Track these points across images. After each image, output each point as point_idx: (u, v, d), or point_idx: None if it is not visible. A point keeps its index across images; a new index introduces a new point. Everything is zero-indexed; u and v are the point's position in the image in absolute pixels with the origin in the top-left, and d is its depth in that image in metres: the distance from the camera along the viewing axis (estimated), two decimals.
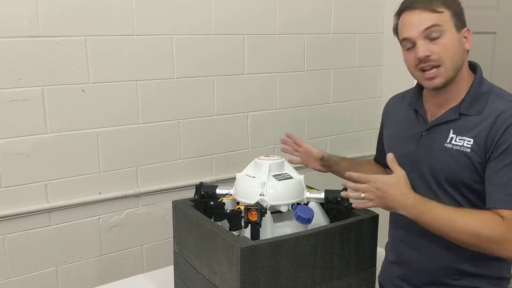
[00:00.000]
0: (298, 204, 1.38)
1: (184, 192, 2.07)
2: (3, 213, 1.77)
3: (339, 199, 1.38)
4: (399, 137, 1.46)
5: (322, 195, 1.41)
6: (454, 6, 1.29)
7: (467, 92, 1.31)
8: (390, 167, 1.29)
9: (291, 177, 1.40)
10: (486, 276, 1.33)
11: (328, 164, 1.68)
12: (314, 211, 1.35)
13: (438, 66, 1.27)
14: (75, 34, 1.81)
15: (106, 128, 1.92)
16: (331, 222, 1.40)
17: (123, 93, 1.94)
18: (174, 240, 1.54)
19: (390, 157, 1.29)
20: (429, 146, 1.35)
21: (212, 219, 1.38)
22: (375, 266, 1.42)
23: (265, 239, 1.24)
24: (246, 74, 2.21)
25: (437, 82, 1.28)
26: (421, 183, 1.34)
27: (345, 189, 1.41)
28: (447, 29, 1.27)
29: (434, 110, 1.37)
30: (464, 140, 1.27)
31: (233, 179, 1.47)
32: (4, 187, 1.77)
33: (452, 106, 1.33)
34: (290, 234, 1.26)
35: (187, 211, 1.44)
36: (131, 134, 1.98)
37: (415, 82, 1.48)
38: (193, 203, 1.49)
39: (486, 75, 1.37)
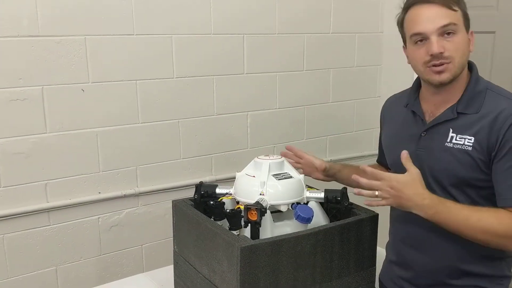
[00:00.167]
0: (298, 203, 1.38)
1: (183, 192, 2.07)
2: (3, 213, 1.77)
3: (339, 198, 1.39)
4: (398, 139, 1.45)
5: (322, 195, 1.41)
6: (464, 7, 1.30)
7: (464, 91, 1.32)
8: (404, 165, 1.26)
9: (291, 177, 1.40)
10: (488, 275, 1.33)
11: (331, 174, 1.65)
12: (314, 211, 1.35)
13: (448, 63, 1.26)
14: (75, 33, 1.81)
15: (105, 128, 1.92)
16: (331, 222, 1.40)
17: (123, 93, 1.94)
18: (174, 240, 1.54)
19: (404, 155, 1.27)
20: (429, 146, 1.35)
21: (212, 219, 1.38)
22: (375, 265, 1.42)
23: (265, 239, 1.24)
24: (246, 73, 2.21)
25: (445, 77, 1.27)
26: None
27: (345, 188, 1.41)
28: (460, 28, 1.27)
29: (432, 110, 1.37)
30: (464, 138, 1.28)
31: (233, 179, 1.47)
32: (3, 187, 1.77)
33: (449, 105, 1.33)
34: (290, 234, 1.26)
35: (187, 211, 1.44)
36: (131, 134, 1.98)
37: (413, 82, 1.48)
38: (193, 203, 1.49)
39: (485, 74, 1.37)
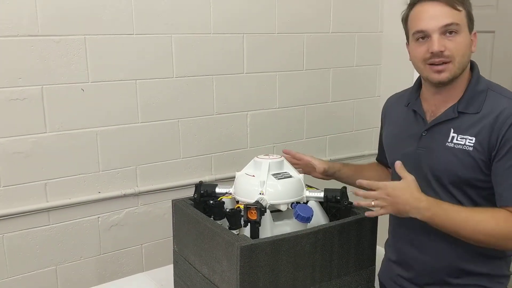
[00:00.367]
0: (298, 203, 1.38)
1: (183, 191, 2.07)
2: (3, 212, 1.77)
3: (339, 198, 1.39)
4: (399, 138, 1.45)
5: (321, 194, 1.41)
6: (469, 8, 1.30)
7: (465, 91, 1.32)
8: (398, 174, 1.27)
9: (290, 176, 1.40)
10: (487, 274, 1.34)
11: (331, 173, 1.64)
12: (313, 210, 1.35)
13: (448, 62, 1.27)
14: (75, 33, 1.81)
15: (105, 127, 1.92)
16: (330, 221, 1.40)
17: (123, 92, 1.94)
18: (173, 239, 1.54)
19: (398, 165, 1.28)
20: (429, 146, 1.35)
21: (211, 218, 1.38)
22: (374, 264, 1.42)
23: (264, 238, 1.24)
24: (246, 73, 2.21)
25: (444, 76, 1.28)
26: (422, 182, 1.34)
27: (345, 188, 1.41)
28: (463, 28, 1.27)
29: (433, 110, 1.37)
30: (466, 138, 1.28)
31: (232, 178, 1.47)
32: (3, 186, 1.77)
33: (450, 105, 1.33)
34: (290, 233, 1.26)
35: (186, 210, 1.44)
36: (131, 133, 1.98)
37: (414, 81, 1.48)
38: (192, 202, 1.49)
39: (485, 73, 1.37)
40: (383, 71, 2.65)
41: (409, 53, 1.38)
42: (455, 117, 1.31)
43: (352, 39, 2.52)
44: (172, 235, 1.54)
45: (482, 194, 1.28)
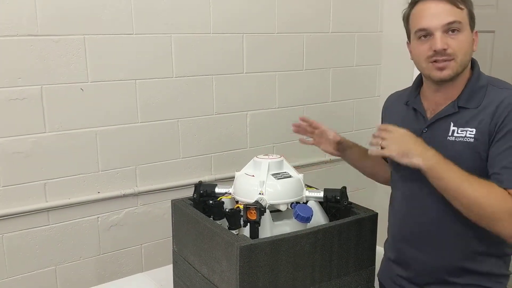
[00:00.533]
0: (297, 203, 1.38)
1: (183, 191, 2.07)
2: (2, 212, 1.77)
3: (338, 198, 1.38)
4: None
5: (321, 194, 1.41)
6: (470, 7, 1.31)
7: (465, 86, 1.32)
8: None
9: (290, 176, 1.40)
10: (487, 273, 1.33)
11: (342, 148, 1.62)
12: (313, 210, 1.35)
13: (450, 60, 1.27)
14: (74, 33, 1.80)
15: (105, 127, 1.92)
16: (330, 221, 1.40)
17: (122, 92, 1.93)
18: (173, 239, 1.54)
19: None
20: (430, 142, 1.34)
21: (211, 218, 1.38)
22: (374, 264, 1.42)
23: (264, 238, 1.24)
24: (245, 73, 2.21)
25: (446, 74, 1.28)
26: (424, 178, 1.34)
27: (345, 188, 1.41)
28: (465, 27, 1.28)
29: (433, 107, 1.37)
30: (466, 131, 1.28)
31: (232, 178, 1.47)
32: (2, 186, 1.76)
33: (450, 102, 1.33)
34: (289, 233, 1.26)
35: (186, 210, 1.43)
36: (130, 133, 1.98)
37: (413, 80, 1.48)
38: (192, 202, 1.49)
39: (485, 73, 1.37)
40: (383, 71, 2.65)
41: (411, 52, 1.38)
42: (455, 112, 1.31)
43: (352, 39, 2.51)
44: (171, 235, 1.54)
45: None
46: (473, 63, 1.36)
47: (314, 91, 2.44)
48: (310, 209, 1.33)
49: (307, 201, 1.42)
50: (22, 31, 1.71)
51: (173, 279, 1.56)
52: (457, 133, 1.29)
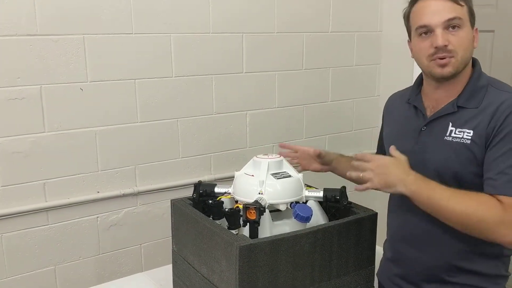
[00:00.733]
0: (297, 202, 1.37)
1: (182, 191, 2.07)
2: (1, 212, 1.76)
3: (338, 197, 1.38)
4: (399, 134, 1.46)
5: (320, 194, 1.41)
6: (470, 4, 1.31)
7: (466, 86, 1.32)
8: (392, 155, 1.29)
9: (289, 176, 1.40)
10: (483, 273, 1.33)
11: (327, 161, 1.66)
12: (312, 210, 1.35)
13: (451, 57, 1.27)
14: (73, 32, 1.80)
15: (104, 127, 1.92)
16: (329, 221, 1.40)
17: (122, 92, 1.93)
18: (172, 239, 1.54)
19: (392, 149, 1.31)
20: (428, 140, 1.35)
21: (210, 218, 1.38)
22: (373, 264, 1.42)
23: (263, 238, 1.23)
24: (245, 72, 2.21)
25: (447, 71, 1.28)
26: None
27: (344, 187, 1.41)
28: (465, 23, 1.28)
29: (433, 105, 1.37)
30: (464, 132, 1.28)
31: (231, 178, 1.47)
32: (2, 186, 1.76)
33: (451, 100, 1.33)
34: (289, 233, 1.26)
35: (185, 210, 1.43)
36: (130, 133, 1.98)
37: (414, 80, 1.48)
38: (191, 202, 1.49)
39: (485, 73, 1.37)
40: (382, 71, 2.65)
41: (411, 49, 1.38)
42: (454, 112, 1.31)
43: (352, 39, 2.51)
44: (171, 235, 1.54)
45: (480, 190, 1.28)
46: (474, 62, 1.36)
47: (313, 90, 2.43)
48: (309, 209, 1.33)
49: (306, 201, 1.42)
50: (21, 30, 1.71)
51: (173, 279, 1.56)
52: (455, 133, 1.29)
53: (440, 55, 1.27)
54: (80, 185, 1.91)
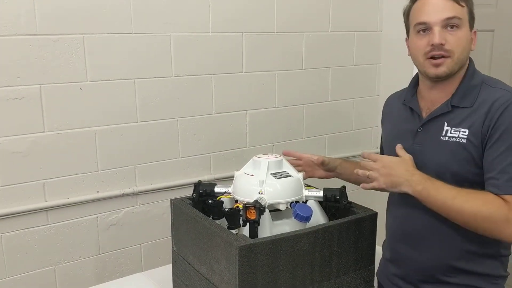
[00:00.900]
0: (297, 202, 1.37)
1: (182, 191, 2.07)
2: (1, 212, 1.76)
3: (338, 197, 1.38)
4: (396, 135, 1.46)
5: (320, 193, 1.41)
6: (471, 6, 1.31)
7: (459, 85, 1.32)
8: (398, 154, 1.33)
9: (289, 175, 1.40)
10: (482, 273, 1.33)
11: (331, 167, 1.64)
12: (312, 209, 1.35)
13: (447, 57, 1.27)
14: (73, 32, 1.80)
15: (104, 127, 1.92)
16: (329, 221, 1.40)
17: (121, 92, 1.93)
18: (172, 239, 1.53)
19: (398, 147, 1.34)
20: (424, 141, 1.35)
21: (210, 218, 1.38)
22: (373, 264, 1.42)
23: (263, 238, 1.23)
24: (245, 72, 2.21)
25: (442, 70, 1.28)
26: None
27: (344, 187, 1.41)
28: (464, 24, 1.28)
29: (429, 106, 1.38)
30: (459, 131, 1.28)
31: (231, 178, 1.47)
32: (1, 186, 1.76)
33: (444, 101, 1.34)
34: (289, 232, 1.26)
35: (185, 210, 1.43)
36: (129, 133, 1.98)
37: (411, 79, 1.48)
38: (191, 202, 1.49)
39: (484, 72, 1.38)
40: (382, 70, 2.64)
41: (409, 47, 1.38)
42: (449, 111, 1.31)
43: (352, 38, 2.51)
44: (171, 235, 1.54)
45: (477, 189, 1.28)
46: (468, 61, 1.36)
47: (313, 90, 2.43)
48: (309, 209, 1.33)
49: (306, 201, 1.41)
50: (21, 30, 1.71)
51: (173, 278, 1.56)
52: (450, 133, 1.30)
53: (436, 53, 1.27)
54: (80, 185, 1.91)
